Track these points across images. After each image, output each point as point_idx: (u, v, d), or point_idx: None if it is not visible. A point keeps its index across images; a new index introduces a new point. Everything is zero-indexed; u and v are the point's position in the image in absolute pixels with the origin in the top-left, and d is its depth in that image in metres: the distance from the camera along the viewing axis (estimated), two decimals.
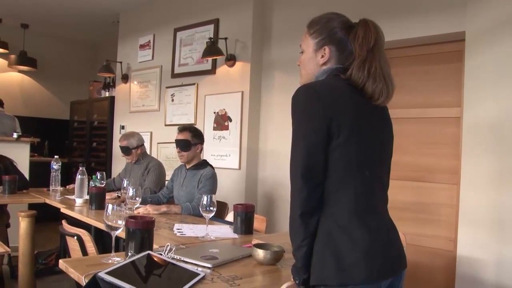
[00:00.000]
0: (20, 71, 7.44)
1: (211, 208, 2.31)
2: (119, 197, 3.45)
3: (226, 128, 4.51)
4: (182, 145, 3.35)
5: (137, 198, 2.65)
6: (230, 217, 3.11)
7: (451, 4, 3.22)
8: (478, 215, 2.91)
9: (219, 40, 4.49)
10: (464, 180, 3.03)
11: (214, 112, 4.62)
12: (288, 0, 4.30)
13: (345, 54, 1.54)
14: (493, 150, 2.86)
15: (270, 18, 4.44)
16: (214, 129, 4.60)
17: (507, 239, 2.73)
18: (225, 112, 4.52)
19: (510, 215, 2.73)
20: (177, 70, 5.10)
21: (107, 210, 1.77)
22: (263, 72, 4.47)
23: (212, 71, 4.69)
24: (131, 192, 2.64)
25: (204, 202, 2.31)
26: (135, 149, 3.91)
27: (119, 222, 1.75)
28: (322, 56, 1.56)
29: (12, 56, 7.04)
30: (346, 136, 1.39)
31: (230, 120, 4.48)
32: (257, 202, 4.39)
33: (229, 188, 4.31)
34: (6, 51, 6.91)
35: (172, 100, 5.11)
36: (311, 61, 1.58)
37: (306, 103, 1.41)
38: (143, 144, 4.02)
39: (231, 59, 4.48)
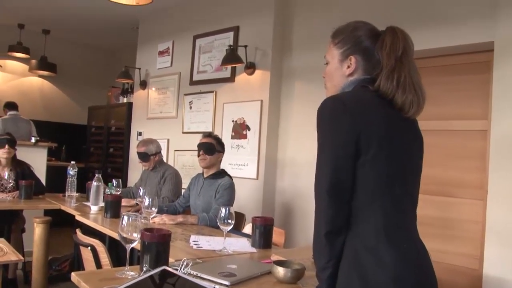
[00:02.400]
0: (40, 76, 7.50)
1: (229, 221, 2.23)
2: (137, 204, 3.39)
3: (245, 137, 4.44)
4: (206, 147, 3.29)
5: (153, 208, 2.58)
6: (247, 229, 3.03)
7: (479, 14, 3.12)
8: (507, 233, 2.79)
9: (239, 47, 4.44)
10: (491, 196, 2.92)
11: (233, 121, 4.56)
12: (309, 8, 4.23)
13: (372, 63, 1.46)
14: None
15: (291, 26, 4.37)
16: (232, 137, 4.53)
17: None
18: (244, 120, 4.46)
19: None
20: (196, 77, 5.05)
21: (122, 221, 1.70)
22: (283, 80, 4.39)
23: (231, 79, 4.63)
24: (147, 201, 2.58)
25: (222, 215, 2.23)
26: (153, 155, 3.87)
27: (134, 234, 1.68)
28: (348, 67, 1.48)
29: (33, 61, 7.10)
30: (376, 150, 1.31)
31: (249, 129, 4.40)
32: (275, 213, 4.31)
33: (246, 198, 4.23)
34: (27, 56, 6.97)
35: (190, 108, 5.07)
36: (337, 72, 1.51)
37: (332, 115, 1.34)
38: (160, 152, 3.98)
39: (250, 67, 4.42)
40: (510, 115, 2.88)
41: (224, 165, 4.27)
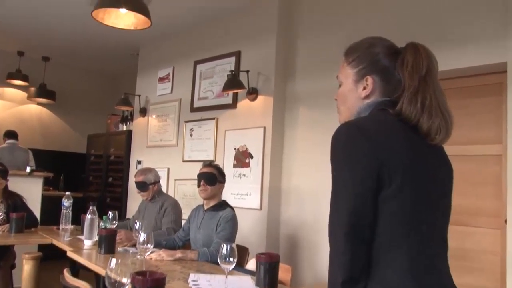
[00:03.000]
0: (39, 104, 7.38)
1: (231, 259, 2.04)
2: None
3: (247, 165, 4.26)
4: (207, 178, 3.12)
5: (148, 245, 2.38)
6: (251, 264, 2.82)
7: (491, 34, 2.99)
8: None
9: (241, 73, 4.31)
10: (511, 225, 2.73)
11: (235, 148, 4.39)
12: (313, 31, 4.11)
13: (392, 84, 1.29)
14: None
15: (294, 50, 4.24)
16: (234, 166, 4.36)
17: None
18: (246, 148, 4.29)
19: None
20: (197, 103, 4.91)
21: (110, 264, 1.51)
22: (287, 106, 4.25)
23: (233, 105, 4.49)
24: (142, 237, 2.38)
25: (224, 252, 2.03)
26: (152, 185, 3.69)
27: (124, 280, 1.49)
28: (364, 88, 1.31)
29: (32, 89, 6.99)
30: (400, 183, 1.13)
31: (251, 157, 4.23)
32: (280, 245, 4.10)
33: (249, 229, 4.03)
34: (26, 83, 6.87)
35: (191, 135, 4.91)
36: (351, 94, 1.34)
37: (349, 144, 1.16)
38: (159, 181, 3.80)
39: (253, 93, 4.28)
40: None
41: (226, 194, 4.09)
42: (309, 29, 4.15)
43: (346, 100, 1.36)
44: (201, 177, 3.16)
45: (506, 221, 2.84)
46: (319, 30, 4.06)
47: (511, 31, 2.88)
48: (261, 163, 4.14)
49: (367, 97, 1.31)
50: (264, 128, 4.16)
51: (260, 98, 4.27)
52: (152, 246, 2.42)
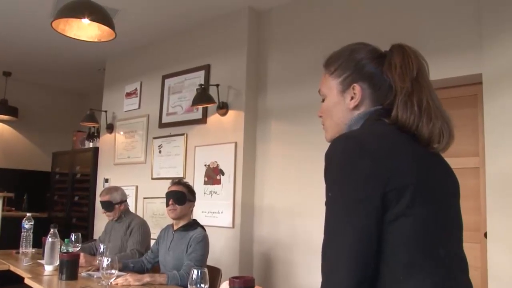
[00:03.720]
0: (0, 121, 7.07)
1: (202, 285, 1.90)
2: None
3: (218, 182, 4.13)
4: (177, 197, 2.96)
5: (113, 270, 2.22)
6: (223, 287, 2.68)
7: (466, 45, 2.98)
8: (511, 279, 2.54)
9: (211, 87, 4.19)
10: (491, 239, 2.68)
11: (205, 165, 4.25)
12: (284, 45, 4.04)
13: (382, 90, 1.17)
14: None
15: (265, 64, 4.16)
16: (205, 183, 4.22)
17: None
18: (217, 164, 4.16)
19: None
20: (165, 119, 4.76)
21: None
22: (258, 121, 4.15)
23: (203, 120, 4.36)
24: (105, 262, 2.22)
25: (194, 277, 1.89)
26: (118, 204, 3.51)
27: None
28: (352, 98, 1.18)
29: None
30: (408, 202, 0.99)
31: (223, 174, 4.10)
32: (253, 264, 3.96)
33: (221, 249, 3.88)
34: None
35: (160, 152, 4.75)
36: (339, 106, 1.21)
37: (348, 160, 1.02)
38: (126, 200, 3.63)
39: (223, 107, 4.17)
40: (505, 151, 2.69)
41: (197, 213, 3.94)
42: (280, 43, 4.08)
43: (333, 114, 1.23)
44: (170, 196, 3.01)
45: (485, 235, 2.79)
46: (290, 44, 3.99)
47: (485, 43, 2.87)
48: (233, 179, 4.02)
49: (356, 107, 1.19)
50: (236, 143, 4.04)
51: (230, 112, 4.16)
52: (116, 271, 2.26)
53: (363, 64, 1.20)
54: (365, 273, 0.96)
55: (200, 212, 4.06)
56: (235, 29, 4.21)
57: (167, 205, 3.00)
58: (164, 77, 4.82)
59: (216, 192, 4.13)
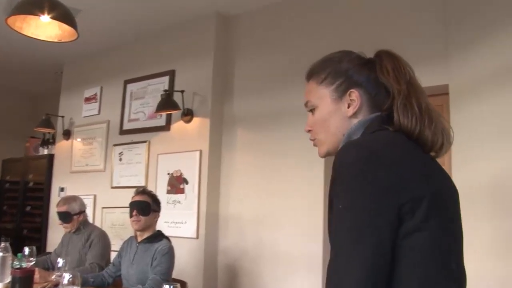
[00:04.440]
0: None
1: None
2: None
3: (182, 191, 4.00)
4: (141, 207, 2.82)
5: (74, 287, 2.06)
6: None
7: (431, 56, 3.00)
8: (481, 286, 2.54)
9: (175, 93, 4.06)
10: (466, 250, 2.67)
11: (168, 174, 4.11)
12: (252, 52, 3.98)
13: (379, 96, 1.12)
14: (494, 215, 2.54)
15: (232, 70, 4.08)
16: (168, 192, 4.07)
17: None
18: (181, 173, 4.03)
19: None
20: (127, 126, 4.59)
21: None
22: (224, 128, 4.05)
23: (167, 127, 4.22)
24: (66, 278, 2.05)
25: None
26: (76, 215, 3.33)
27: None
28: (349, 105, 1.12)
29: None
30: (424, 214, 0.94)
31: (187, 183, 3.98)
32: (218, 276, 3.84)
33: (185, 260, 3.74)
34: None
35: (120, 160, 4.57)
36: (334, 115, 1.15)
37: (361, 170, 0.95)
38: (85, 211, 3.44)
39: (188, 114, 4.05)
40: (471, 161, 2.70)
41: (160, 223, 3.74)
42: (248, 50, 4.01)
43: (328, 124, 1.16)
44: (134, 206, 2.87)
45: None
46: (258, 51, 3.93)
47: (452, 53, 2.90)
48: (197, 188, 3.90)
49: (354, 114, 1.12)
50: (200, 151, 3.93)
51: (195, 120, 4.05)
52: None
53: (355, 71, 1.15)
54: (381, 274, 0.91)
55: (162, 222, 3.89)
56: (202, 34, 4.11)
57: (131, 216, 2.86)
58: (126, 82, 4.66)
59: (179, 202, 4.00)
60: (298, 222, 3.47)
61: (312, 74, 1.21)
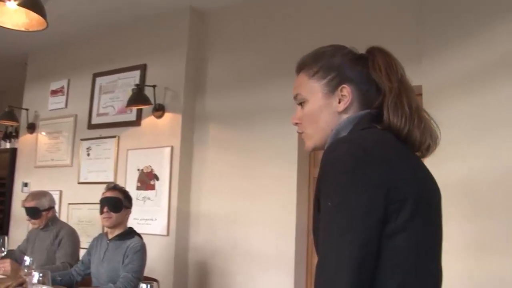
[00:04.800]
0: None
1: None
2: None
3: (152, 187, 3.93)
4: (112, 204, 2.75)
5: (44, 287, 1.99)
6: None
7: (405, 57, 2.98)
8: (454, 287, 2.59)
9: (146, 87, 3.98)
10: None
11: (138, 169, 4.03)
12: (226, 47, 3.94)
13: (370, 93, 1.12)
14: (466, 214, 2.59)
15: (205, 66, 4.04)
16: (138, 188, 3.99)
17: None
18: (151, 169, 3.96)
19: (491, 283, 2.43)
20: (95, 120, 4.48)
21: None
22: (196, 125, 4.01)
23: (137, 122, 4.14)
24: (35, 278, 1.98)
25: None
26: (45, 211, 3.22)
27: None
28: (340, 100, 1.12)
29: None
30: (409, 214, 0.94)
31: (157, 179, 3.91)
32: (189, 274, 3.80)
33: (155, 258, 3.68)
34: None
35: (88, 155, 4.45)
36: (325, 110, 1.13)
37: (352, 168, 0.95)
38: (54, 207, 3.34)
39: (159, 109, 3.98)
40: (446, 162, 2.75)
41: (129, 219, 3.72)
42: (222, 45, 3.97)
43: (318, 119, 1.14)
44: (105, 202, 2.80)
45: None
46: (232, 47, 3.90)
47: (425, 54, 2.95)
48: (168, 185, 3.84)
49: (344, 110, 1.12)
50: (172, 147, 3.87)
51: (167, 115, 3.98)
52: None
53: (347, 66, 1.14)
54: (368, 270, 0.91)
55: (132, 219, 3.80)
56: (175, 28, 4.04)
57: (101, 212, 2.79)
58: (95, 75, 4.53)
59: (149, 198, 3.93)
60: (270, 220, 3.47)
61: (304, 66, 1.19)
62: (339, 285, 0.88)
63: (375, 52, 1.15)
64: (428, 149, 1.09)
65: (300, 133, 1.21)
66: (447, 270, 2.62)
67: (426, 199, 1.01)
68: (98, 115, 4.46)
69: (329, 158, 0.99)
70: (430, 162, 2.73)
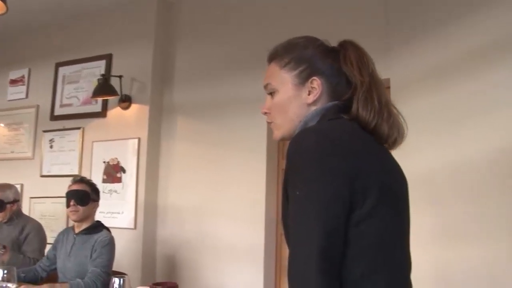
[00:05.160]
0: None
1: None
2: None
3: (119, 180, 3.86)
4: (79, 197, 2.67)
5: (9, 284, 1.91)
6: None
7: (372, 50, 3.03)
8: (420, 274, 2.66)
9: (112, 78, 3.89)
10: None
11: (104, 162, 3.95)
12: (195, 38, 3.89)
13: (340, 86, 1.13)
14: (430, 205, 2.65)
15: (173, 56, 3.97)
16: (104, 181, 3.91)
17: None
18: (118, 161, 3.88)
19: (455, 271, 2.51)
20: (58, 111, 4.34)
21: None
22: (164, 116, 3.95)
23: (103, 113, 4.04)
24: (0, 274, 1.90)
25: (116, 286, 1.69)
26: (10, 204, 3.10)
27: None
28: (310, 92, 1.12)
29: None
30: (374, 202, 0.96)
31: (124, 171, 3.84)
32: (157, 267, 3.76)
33: (122, 251, 3.61)
34: None
35: (51, 147, 4.31)
36: (294, 101, 1.14)
37: (318, 156, 0.96)
38: (19, 200, 3.23)
39: (126, 101, 3.89)
40: (411, 154, 2.80)
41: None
42: (191, 36, 3.92)
43: (287, 109, 1.15)
44: (71, 195, 2.72)
45: None
46: (201, 37, 3.85)
47: (393, 47, 2.99)
48: (135, 178, 3.78)
49: (313, 102, 1.13)
50: (139, 139, 3.81)
51: (134, 106, 3.90)
52: (15, 285, 1.95)
53: (319, 58, 1.15)
54: (334, 276, 0.92)
55: (98, 213, 3.73)
56: (142, 18, 3.96)
57: (68, 205, 2.71)
58: (58, 64, 4.39)
59: (116, 191, 3.85)
60: (239, 213, 3.47)
61: (275, 56, 1.19)
62: (308, 274, 0.89)
63: (347, 46, 1.16)
64: (394, 143, 1.12)
65: (269, 123, 1.21)
66: (413, 259, 2.70)
67: (393, 190, 1.04)
68: (62, 106, 4.33)
69: (296, 148, 1.00)
70: (395, 155, 2.79)
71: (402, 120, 1.13)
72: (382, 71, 2.97)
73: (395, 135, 1.09)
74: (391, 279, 0.98)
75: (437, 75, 2.75)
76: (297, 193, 0.96)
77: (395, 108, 1.13)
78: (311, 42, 1.19)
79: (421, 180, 2.71)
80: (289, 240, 1.00)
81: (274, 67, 1.18)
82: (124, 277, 1.74)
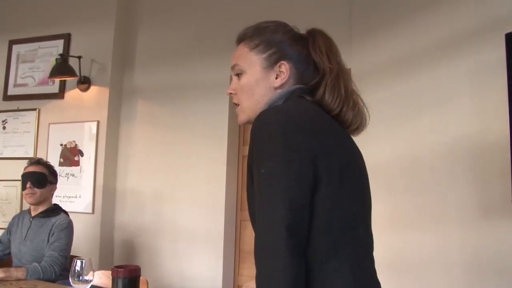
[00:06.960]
0: None
1: (86, 278, 1.68)
2: None
3: (77, 163, 3.77)
4: (36, 179, 2.60)
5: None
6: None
7: (336, 40, 3.10)
8: (376, 260, 2.76)
9: (71, 58, 3.77)
10: None
11: (61, 144, 3.84)
12: (157, 19, 3.83)
13: (307, 72, 1.15)
14: (389, 192, 2.75)
15: (134, 38, 3.90)
16: (61, 164, 3.80)
17: (407, 282, 2.59)
18: (76, 144, 3.79)
19: (410, 257, 2.63)
20: (12, 91, 4.17)
21: None
22: (124, 99, 3.89)
23: (60, 95, 3.91)
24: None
25: (77, 268, 1.67)
26: None
27: None
28: (277, 76, 1.14)
29: None
30: (337, 179, 1.00)
31: (82, 155, 3.76)
32: (114, 251, 3.72)
33: (80, 236, 3.51)
34: None
35: (4, 128, 4.14)
36: (261, 83, 1.15)
37: (281, 135, 0.98)
38: None
39: (85, 82, 3.80)
40: (371, 143, 2.87)
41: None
42: (153, 17, 3.85)
43: (254, 91, 1.16)
44: (27, 177, 2.64)
45: None
46: (164, 18, 3.79)
47: (355, 38, 3.05)
48: (94, 161, 3.70)
49: (280, 86, 1.14)
50: (98, 122, 3.73)
51: (93, 88, 3.81)
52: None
53: (288, 44, 1.16)
54: (301, 252, 0.94)
55: (54, 197, 3.64)
56: None
57: (24, 188, 2.63)
58: (12, 42, 4.20)
59: (73, 175, 3.76)
60: (199, 198, 3.47)
61: (245, 38, 1.19)
62: (275, 249, 0.91)
63: (315, 34, 1.18)
64: (356, 130, 1.15)
65: (236, 105, 1.21)
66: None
67: (353, 169, 1.08)
68: (16, 85, 4.17)
69: (260, 126, 1.01)
70: (357, 142, 2.87)
71: (366, 111, 1.17)
72: (344, 62, 3.05)
73: (358, 123, 1.13)
74: (355, 255, 1.02)
75: (395, 67, 2.84)
76: (262, 170, 0.97)
77: (360, 98, 1.16)
78: (281, 27, 1.20)
79: (377, 170, 2.80)
80: (254, 219, 1.02)
81: (243, 49, 1.18)
82: (89, 258, 1.72)
